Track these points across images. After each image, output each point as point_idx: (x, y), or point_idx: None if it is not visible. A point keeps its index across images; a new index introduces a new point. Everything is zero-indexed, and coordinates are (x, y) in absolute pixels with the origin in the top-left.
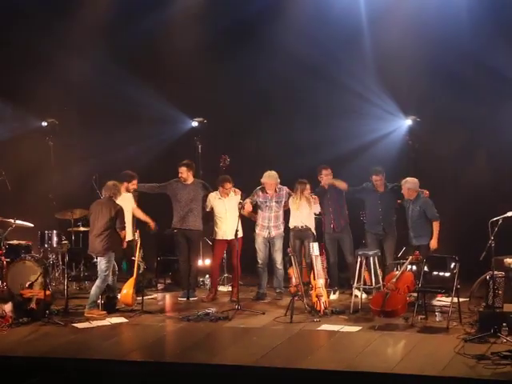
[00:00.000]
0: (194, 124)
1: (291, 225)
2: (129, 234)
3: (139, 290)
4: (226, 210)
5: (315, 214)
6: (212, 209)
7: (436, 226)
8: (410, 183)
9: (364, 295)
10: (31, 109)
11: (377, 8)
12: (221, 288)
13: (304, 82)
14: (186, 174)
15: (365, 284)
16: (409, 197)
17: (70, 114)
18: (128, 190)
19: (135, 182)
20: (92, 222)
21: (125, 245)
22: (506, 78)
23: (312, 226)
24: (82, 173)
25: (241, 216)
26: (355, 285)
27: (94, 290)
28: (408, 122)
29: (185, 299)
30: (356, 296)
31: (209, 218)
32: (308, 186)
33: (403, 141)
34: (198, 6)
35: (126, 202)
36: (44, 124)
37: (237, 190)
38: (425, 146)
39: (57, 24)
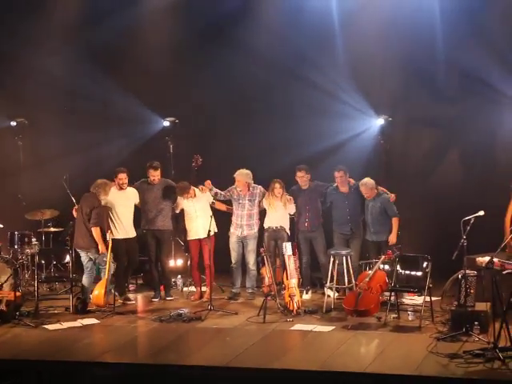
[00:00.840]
0: (166, 124)
1: (266, 225)
2: (130, 231)
3: (121, 293)
4: (196, 210)
5: (290, 215)
6: (182, 210)
7: (395, 222)
8: (366, 185)
9: (336, 294)
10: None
11: (349, 7)
12: (192, 288)
13: (276, 82)
14: (158, 176)
15: (337, 283)
16: (368, 197)
17: (39, 114)
18: (121, 187)
19: (121, 176)
20: (76, 217)
21: (100, 246)
22: (477, 77)
23: (287, 226)
24: (52, 173)
25: (216, 212)
26: (328, 284)
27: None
28: (380, 122)
29: (157, 300)
30: (329, 296)
31: (180, 217)
32: (277, 185)
33: (375, 140)
34: (171, 4)
35: (127, 198)
36: (13, 123)
37: (203, 187)
38: (397, 145)
39: (26, 22)
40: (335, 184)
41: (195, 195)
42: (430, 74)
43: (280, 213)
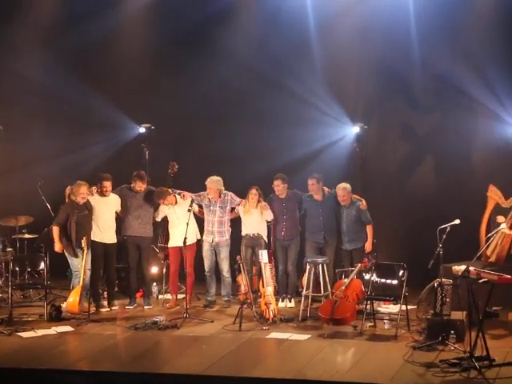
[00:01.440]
0: (142, 130)
1: (243, 232)
2: (112, 237)
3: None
4: (178, 217)
5: (267, 222)
6: (163, 218)
7: (370, 229)
8: (344, 189)
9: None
10: None
11: (325, 15)
12: (168, 296)
13: (252, 89)
14: (144, 187)
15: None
16: (343, 203)
17: (14, 118)
18: (104, 194)
19: (105, 183)
20: None
21: (55, 245)
22: (452, 85)
23: (264, 233)
24: (27, 179)
25: (194, 220)
26: (304, 292)
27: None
28: (355, 129)
29: (132, 307)
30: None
31: (157, 225)
32: (253, 191)
33: (351, 148)
34: (147, 11)
35: (108, 204)
36: None
37: (185, 193)
38: (372, 153)
39: (2, 25)
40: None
41: (176, 202)
42: (405, 81)
43: (256, 219)
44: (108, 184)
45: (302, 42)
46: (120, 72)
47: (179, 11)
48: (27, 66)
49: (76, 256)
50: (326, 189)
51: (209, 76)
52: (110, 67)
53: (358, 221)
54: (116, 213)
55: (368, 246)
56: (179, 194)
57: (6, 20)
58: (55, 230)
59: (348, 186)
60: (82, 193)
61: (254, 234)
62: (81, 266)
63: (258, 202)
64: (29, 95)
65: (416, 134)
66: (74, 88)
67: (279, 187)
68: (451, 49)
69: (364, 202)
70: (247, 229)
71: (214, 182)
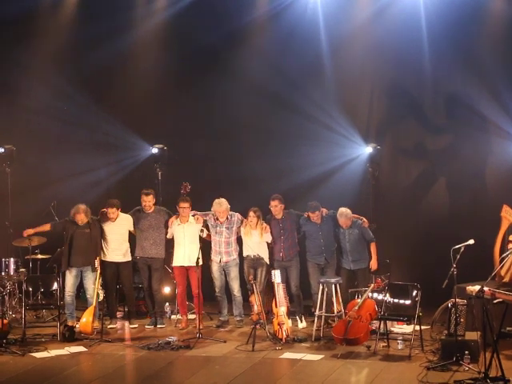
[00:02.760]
0: (154, 151)
1: (244, 253)
2: (122, 256)
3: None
4: (185, 236)
5: (268, 243)
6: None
7: (374, 247)
8: (346, 215)
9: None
10: None
11: (338, 36)
12: (179, 316)
13: (265, 110)
14: (151, 202)
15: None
16: (346, 226)
17: (28, 141)
18: (110, 220)
19: (109, 210)
20: None
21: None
22: (465, 105)
23: (265, 254)
24: (40, 200)
25: (202, 242)
26: (317, 313)
27: None
28: (368, 150)
29: (152, 327)
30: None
31: (169, 245)
32: (251, 214)
33: (364, 168)
34: (160, 32)
35: (118, 225)
36: (1, 150)
37: (200, 217)
38: (385, 173)
39: (16, 49)
40: (306, 214)
41: (188, 220)
42: (417, 100)
43: (256, 241)
44: (112, 211)
45: (315, 63)
46: (132, 93)
47: (192, 32)
48: (40, 89)
49: (67, 269)
50: (324, 210)
51: (222, 96)
52: (122, 88)
53: (361, 240)
54: (131, 233)
55: (373, 264)
56: (193, 215)
57: (21, 43)
58: (44, 226)
59: (348, 211)
60: (78, 220)
61: (254, 256)
62: (93, 286)
63: (258, 223)
64: (42, 117)
65: (429, 153)
66: (86, 110)
67: (276, 208)
68: (464, 68)
69: (365, 219)
70: (247, 250)
71: (223, 204)
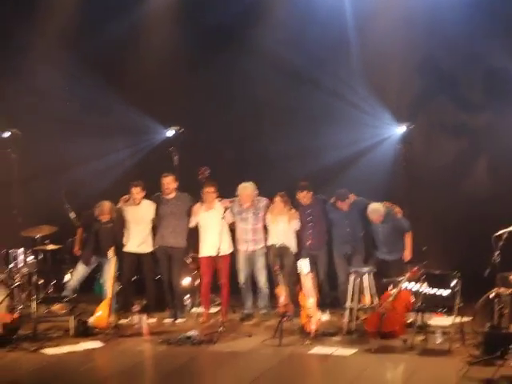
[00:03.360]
0: (169, 134)
1: (269, 242)
2: (145, 247)
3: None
4: (212, 224)
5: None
6: (197, 223)
7: (409, 237)
8: (377, 212)
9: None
10: None
11: (364, 9)
12: (202, 309)
13: (289, 89)
14: (172, 185)
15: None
16: (377, 222)
17: (35, 125)
18: (134, 201)
19: (133, 190)
20: None
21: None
22: (504, 79)
23: (292, 243)
24: (49, 187)
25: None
26: (348, 304)
27: None
28: (400, 130)
29: (171, 321)
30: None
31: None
32: (278, 199)
33: (396, 149)
34: (173, 8)
35: (141, 212)
36: (5, 135)
37: (224, 201)
38: (419, 154)
39: (22, 31)
40: (331, 201)
41: (213, 207)
42: (452, 77)
43: (282, 228)
44: (136, 190)
45: (340, 38)
46: (145, 74)
47: (209, 7)
48: (50, 71)
49: (87, 264)
50: (352, 197)
51: (241, 74)
52: (135, 69)
53: (396, 230)
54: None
55: (407, 255)
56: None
57: (28, 23)
58: (79, 232)
59: (379, 207)
60: (103, 219)
61: (280, 245)
62: (109, 277)
63: (285, 209)
64: (52, 100)
65: (466, 132)
66: (97, 92)
67: (305, 199)
68: (502, 42)
69: (398, 208)
70: (272, 238)
71: (248, 188)
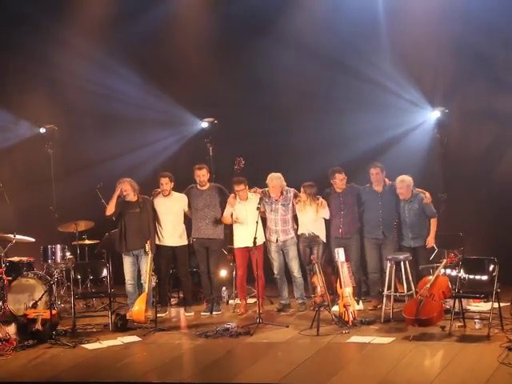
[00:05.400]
0: (204, 125)
1: (299, 232)
2: (179, 239)
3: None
4: (247, 214)
5: (324, 219)
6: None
7: (434, 223)
8: (404, 181)
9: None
10: (28, 114)
11: None
12: (239, 301)
13: (322, 76)
14: (206, 177)
15: (396, 291)
16: (402, 196)
17: (70, 120)
18: (163, 193)
19: (162, 181)
20: None
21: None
22: None
23: (321, 232)
24: (85, 182)
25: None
26: (386, 292)
27: None
28: (436, 114)
29: (208, 314)
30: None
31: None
32: (302, 189)
33: (431, 134)
34: None
35: (172, 204)
36: (42, 130)
37: (258, 189)
38: (455, 139)
39: (54, 24)
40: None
41: (247, 198)
42: (488, 60)
43: (311, 218)
44: (165, 181)
45: (373, 22)
46: (178, 64)
47: None
48: (82, 65)
49: (122, 252)
50: (387, 180)
51: (275, 64)
52: (168, 59)
53: (422, 215)
54: (185, 213)
55: (430, 241)
56: (254, 191)
57: (59, 17)
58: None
59: (408, 178)
60: (125, 191)
61: (309, 234)
62: (145, 271)
63: (309, 200)
64: (85, 94)
65: (503, 116)
66: (130, 84)
67: (342, 182)
68: None
69: (428, 194)
70: (302, 228)
71: (277, 178)
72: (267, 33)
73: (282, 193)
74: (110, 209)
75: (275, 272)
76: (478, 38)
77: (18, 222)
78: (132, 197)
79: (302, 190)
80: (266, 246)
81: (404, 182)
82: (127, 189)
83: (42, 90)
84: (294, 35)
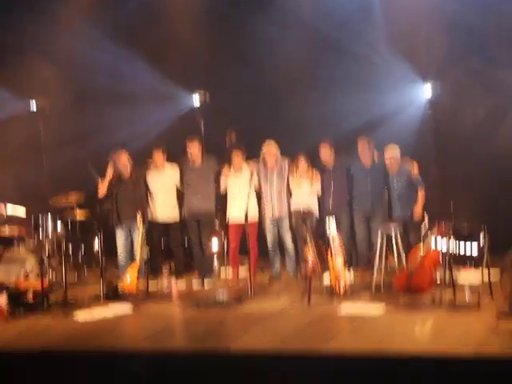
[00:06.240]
0: (196, 100)
1: (292, 205)
2: (171, 214)
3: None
4: (240, 188)
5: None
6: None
7: (422, 193)
8: (393, 149)
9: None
10: (19, 88)
11: None
12: (230, 273)
13: (312, 53)
14: (197, 149)
15: (387, 263)
16: (390, 166)
17: (61, 93)
18: (156, 166)
19: (154, 153)
20: None
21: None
22: None
23: (314, 205)
24: (76, 155)
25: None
26: (376, 265)
27: None
28: (428, 89)
29: (200, 284)
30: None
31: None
32: (302, 159)
33: (423, 111)
34: None
35: (165, 178)
36: (33, 105)
37: (251, 162)
38: (447, 115)
39: (46, 1)
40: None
41: (241, 169)
42: (481, 36)
43: (305, 191)
44: (157, 153)
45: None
46: (171, 40)
47: None
48: (73, 40)
49: (115, 225)
50: (376, 153)
51: (267, 41)
52: (158, 32)
53: (410, 187)
54: (177, 188)
55: (417, 212)
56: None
57: None
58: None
59: (396, 147)
60: (120, 162)
61: (303, 207)
62: (137, 242)
63: (308, 170)
64: (76, 69)
65: (496, 93)
66: (120, 58)
67: (325, 149)
68: None
69: (415, 164)
70: (297, 202)
71: (272, 145)
72: (261, 10)
73: (276, 162)
74: (102, 190)
75: (269, 246)
76: (470, 13)
77: (8, 194)
78: (125, 172)
79: (301, 157)
80: (260, 220)
81: (393, 150)
82: (124, 162)
83: (33, 65)
84: (290, 12)
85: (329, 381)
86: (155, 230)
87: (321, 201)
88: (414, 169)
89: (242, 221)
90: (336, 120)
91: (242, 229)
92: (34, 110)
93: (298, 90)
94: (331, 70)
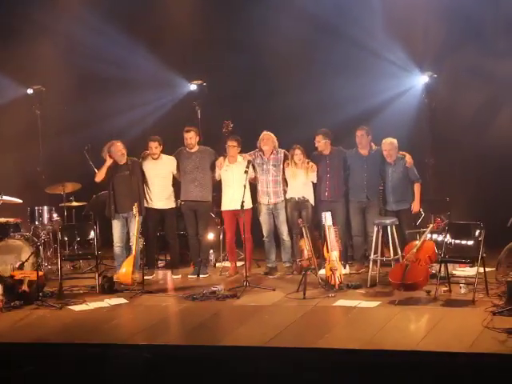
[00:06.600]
0: (192, 87)
1: (288, 195)
2: (166, 202)
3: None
4: (234, 178)
5: (313, 183)
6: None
7: (418, 187)
8: (391, 143)
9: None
10: (15, 75)
11: None
12: (226, 264)
13: (310, 40)
14: (194, 139)
15: (382, 256)
16: (389, 158)
17: (58, 80)
18: (152, 157)
19: (151, 145)
20: None
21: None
22: None
23: (310, 195)
24: (73, 143)
25: (250, 185)
26: (372, 257)
27: None
28: (424, 79)
29: (195, 276)
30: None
31: (213, 189)
32: (298, 151)
33: (419, 99)
34: None
35: (161, 167)
36: (30, 91)
37: (245, 155)
38: (443, 104)
39: None
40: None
41: (236, 160)
42: (478, 24)
43: (301, 182)
44: (154, 145)
45: None
46: (169, 27)
47: None
48: (71, 25)
49: (112, 215)
50: (373, 145)
51: (261, 25)
52: (155, 19)
53: (405, 179)
54: (174, 176)
55: (415, 206)
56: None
57: None
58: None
59: (395, 140)
60: (115, 152)
61: (299, 198)
62: (132, 233)
63: (304, 162)
64: (73, 55)
65: (492, 81)
66: (117, 45)
67: (320, 143)
68: None
69: (409, 156)
70: (292, 192)
71: (269, 134)
72: None
73: (273, 152)
74: (100, 175)
75: (265, 235)
76: (467, 1)
77: (4, 183)
78: (121, 159)
79: (297, 150)
80: (255, 209)
81: (392, 144)
82: (121, 149)
83: (29, 50)
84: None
85: (325, 373)
86: (151, 218)
87: (317, 190)
88: (408, 161)
89: (236, 207)
90: (333, 106)
91: (236, 216)
92: (30, 96)
93: (295, 75)
94: (328, 54)
